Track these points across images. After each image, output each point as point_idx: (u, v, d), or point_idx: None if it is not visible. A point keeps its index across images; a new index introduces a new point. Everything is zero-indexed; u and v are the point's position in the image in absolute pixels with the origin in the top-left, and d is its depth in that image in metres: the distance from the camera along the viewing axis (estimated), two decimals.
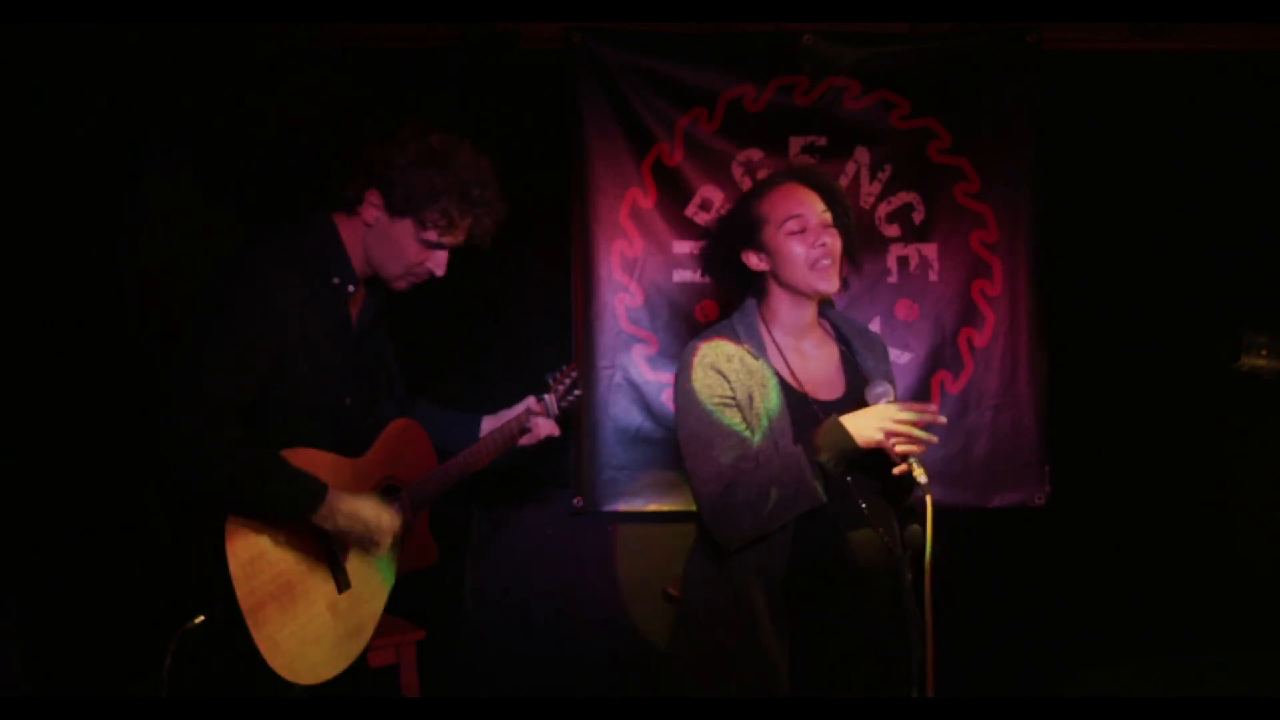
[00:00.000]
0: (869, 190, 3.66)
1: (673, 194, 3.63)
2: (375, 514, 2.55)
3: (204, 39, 3.32)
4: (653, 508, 3.63)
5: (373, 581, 2.66)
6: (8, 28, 2.98)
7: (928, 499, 2.37)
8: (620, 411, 3.60)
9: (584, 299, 3.61)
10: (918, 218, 3.67)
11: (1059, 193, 3.67)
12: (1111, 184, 3.70)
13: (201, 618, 2.35)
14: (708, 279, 3.04)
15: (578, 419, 3.59)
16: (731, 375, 2.63)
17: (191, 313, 2.42)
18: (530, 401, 2.93)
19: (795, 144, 3.65)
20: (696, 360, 2.66)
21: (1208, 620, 3.55)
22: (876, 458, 2.54)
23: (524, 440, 2.91)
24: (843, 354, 2.79)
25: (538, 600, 3.66)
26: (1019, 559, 3.68)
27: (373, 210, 2.54)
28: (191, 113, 3.40)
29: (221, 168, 3.41)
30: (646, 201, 3.63)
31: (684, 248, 3.64)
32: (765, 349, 2.70)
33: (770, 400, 2.62)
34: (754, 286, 2.78)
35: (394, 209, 2.53)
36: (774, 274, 2.72)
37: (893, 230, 3.67)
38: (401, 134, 2.55)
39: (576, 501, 3.63)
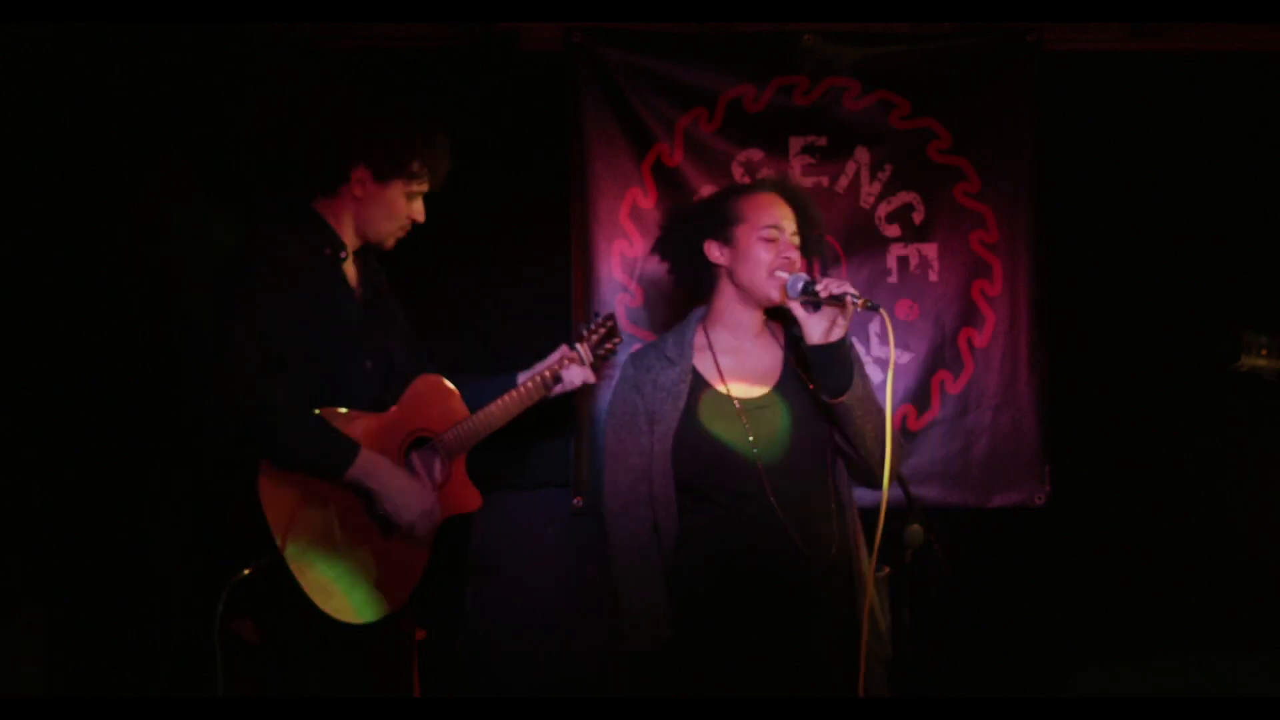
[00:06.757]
0: (869, 190, 3.66)
1: (673, 194, 3.62)
2: (405, 489, 2.67)
3: (203, 39, 3.32)
4: None
5: None
6: (7, 27, 2.98)
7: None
8: None
9: (584, 299, 3.60)
10: (918, 218, 3.67)
11: (1059, 193, 3.67)
12: (1111, 184, 3.70)
13: (248, 570, 2.48)
14: (663, 263, 3.07)
15: (578, 419, 3.59)
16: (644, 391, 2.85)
17: (206, 298, 2.60)
18: (563, 350, 3.04)
19: (795, 144, 3.65)
20: (618, 378, 2.95)
21: (1208, 620, 3.55)
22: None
23: (558, 389, 3.01)
24: (786, 359, 2.88)
25: (538, 600, 3.65)
26: (1019, 559, 3.68)
27: (361, 185, 2.74)
28: (191, 113, 3.39)
29: (221, 167, 3.40)
30: (646, 201, 3.63)
31: None
32: (693, 352, 2.86)
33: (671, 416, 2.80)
34: (705, 278, 2.91)
35: (382, 176, 2.74)
36: (730, 271, 2.86)
37: (893, 230, 3.67)
38: (371, 114, 2.78)
39: (576, 501, 3.62)
